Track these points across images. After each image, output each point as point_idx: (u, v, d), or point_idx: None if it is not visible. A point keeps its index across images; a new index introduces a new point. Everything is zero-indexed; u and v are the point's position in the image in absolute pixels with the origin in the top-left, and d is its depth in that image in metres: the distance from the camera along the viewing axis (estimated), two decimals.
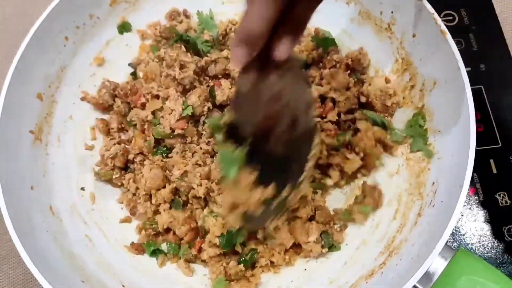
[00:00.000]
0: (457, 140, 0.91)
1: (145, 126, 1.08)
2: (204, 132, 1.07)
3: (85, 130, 1.14)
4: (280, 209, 0.85)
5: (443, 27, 0.95)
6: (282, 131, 0.79)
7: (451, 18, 1.32)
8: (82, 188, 1.07)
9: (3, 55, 1.29)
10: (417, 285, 0.81)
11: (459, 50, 0.93)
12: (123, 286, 0.97)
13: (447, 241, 1.05)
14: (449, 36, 0.95)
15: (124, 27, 1.21)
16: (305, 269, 1.00)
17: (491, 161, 1.16)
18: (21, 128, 1.01)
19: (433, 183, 0.94)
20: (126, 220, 1.08)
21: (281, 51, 0.71)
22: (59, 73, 1.11)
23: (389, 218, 0.99)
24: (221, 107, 1.08)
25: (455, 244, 1.09)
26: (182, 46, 1.14)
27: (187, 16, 1.23)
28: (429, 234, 0.86)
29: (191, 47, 1.16)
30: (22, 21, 1.05)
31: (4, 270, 1.11)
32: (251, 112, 0.79)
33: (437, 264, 0.83)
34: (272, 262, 1.00)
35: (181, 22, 1.21)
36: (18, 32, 1.03)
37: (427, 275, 0.81)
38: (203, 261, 1.01)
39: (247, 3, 0.65)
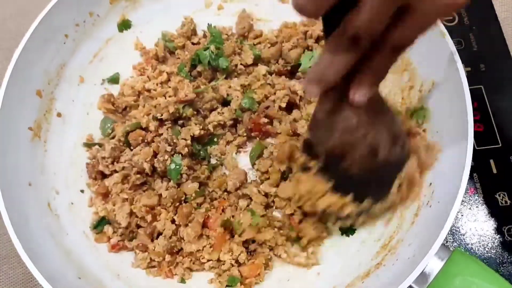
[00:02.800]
0: (454, 141, 0.90)
1: None
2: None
3: (84, 128, 1.13)
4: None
5: (442, 28, 0.95)
6: (358, 158, 0.79)
7: (451, 18, 1.32)
8: (82, 191, 1.07)
9: (3, 55, 1.29)
10: (413, 285, 0.81)
11: (459, 50, 0.93)
12: (120, 282, 0.98)
13: (446, 242, 1.07)
14: (448, 37, 0.95)
15: (124, 25, 1.21)
16: (302, 268, 1.00)
17: (491, 161, 1.16)
18: (20, 125, 1.01)
19: (430, 183, 0.93)
20: None
21: (357, 98, 0.68)
22: (59, 70, 1.11)
23: (386, 218, 0.99)
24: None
25: (455, 244, 1.09)
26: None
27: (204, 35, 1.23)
28: (425, 234, 0.86)
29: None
30: (23, 21, 1.05)
31: (4, 270, 1.11)
32: (325, 138, 0.79)
33: (433, 264, 0.83)
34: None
35: (198, 43, 1.21)
36: (19, 32, 1.03)
37: (423, 275, 0.81)
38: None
39: (325, 49, 0.63)
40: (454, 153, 0.89)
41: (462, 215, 1.11)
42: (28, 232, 0.91)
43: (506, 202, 1.12)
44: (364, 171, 0.80)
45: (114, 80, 1.19)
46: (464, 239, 1.09)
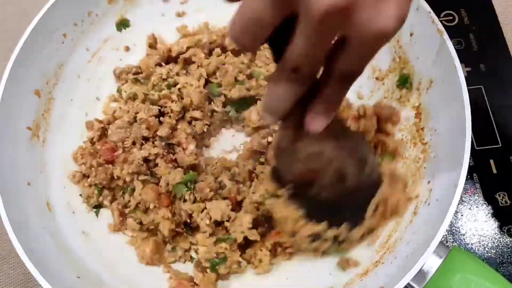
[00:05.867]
0: (452, 139, 0.90)
1: None
2: None
3: (82, 127, 1.13)
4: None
5: (440, 26, 0.95)
6: (326, 184, 0.76)
7: (451, 18, 1.32)
8: (81, 195, 1.07)
9: (3, 55, 1.29)
10: (411, 283, 0.81)
11: (459, 50, 0.93)
12: (120, 281, 0.97)
13: (445, 242, 1.07)
14: (445, 35, 0.94)
15: (122, 24, 1.21)
16: (299, 267, 1.00)
17: (491, 161, 1.16)
18: (18, 125, 1.01)
19: (429, 181, 0.93)
20: None
21: (312, 127, 0.66)
22: (57, 70, 1.11)
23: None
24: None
25: (455, 244, 1.09)
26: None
27: None
28: (424, 232, 0.86)
29: None
30: (22, 21, 1.05)
31: (4, 270, 1.11)
32: (290, 165, 0.77)
33: (431, 262, 0.82)
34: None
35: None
36: (19, 32, 1.03)
37: (422, 274, 0.81)
38: None
39: (270, 79, 0.61)
40: (452, 150, 0.89)
41: (462, 215, 1.11)
42: (27, 232, 0.90)
43: (506, 202, 1.12)
44: (335, 197, 0.78)
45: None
46: (464, 239, 1.09)
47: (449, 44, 0.93)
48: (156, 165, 1.04)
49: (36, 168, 1.03)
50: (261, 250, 0.99)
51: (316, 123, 0.66)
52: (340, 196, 0.77)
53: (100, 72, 1.19)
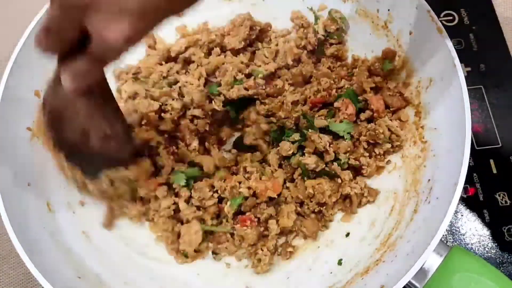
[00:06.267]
0: (452, 137, 0.90)
1: None
2: None
3: None
4: None
5: (439, 25, 0.95)
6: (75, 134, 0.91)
7: (451, 18, 1.32)
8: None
9: (3, 55, 1.29)
10: (412, 281, 0.81)
11: (459, 50, 0.93)
12: (121, 282, 0.97)
13: (446, 241, 1.07)
14: (445, 34, 0.94)
15: None
16: (300, 266, 1.01)
17: (491, 161, 1.16)
18: (18, 125, 1.01)
19: (429, 180, 0.93)
20: None
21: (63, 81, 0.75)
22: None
23: (385, 215, 0.99)
24: None
25: (455, 243, 1.08)
26: None
27: None
28: (424, 230, 0.86)
29: None
30: (23, 22, 1.05)
31: (4, 270, 1.11)
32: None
33: (432, 260, 0.82)
34: None
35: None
36: (19, 33, 1.03)
37: (422, 272, 0.80)
38: None
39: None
40: (452, 149, 0.89)
41: (462, 215, 1.11)
42: (28, 232, 0.90)
43: (506, 202, 1.12)
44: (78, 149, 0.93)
45: None
46: (464, 239, 1.09)
47: (448, 42, 0.93)
48: (157, 154, 1.06)
49: (36, 169, 1.02)
50: (262, 250, 0.99)
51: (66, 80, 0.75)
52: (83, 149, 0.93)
53: None
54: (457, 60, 0.91)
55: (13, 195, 0.93)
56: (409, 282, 0.79)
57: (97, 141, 0.91)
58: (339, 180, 1.02)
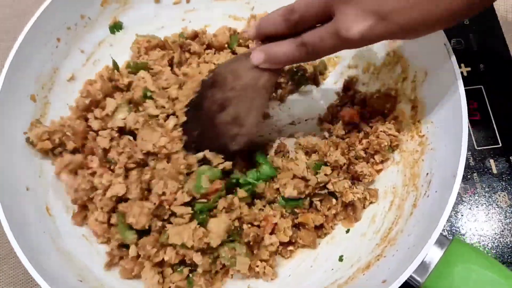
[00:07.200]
0: (449, 130, 0.90)
1: None
2: None
3: None
4: None
5: None
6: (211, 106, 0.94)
7: None
8: None
9: (2, 55, 1.29)
10: (414, 275, 0.81)
11: (459, 50, 0.93)
12: (122, 285, 0.97)
13: (445, 234, 1.06)
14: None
15: (116, 27, 1.21)
16: (301, 264, 1.01)
17: (491, 161, 1.16)
18: (15, 130, 1.01)
19: (427, 173, 0.93)
20: None
21: (254, 58, 0.86)
22: (52, 74, 1.11)
23: (385, 210, 1.00)
24: None
25: None
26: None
27: None
28: (424, 224, 0.86)
29: None
30: (22, 22, 1.05)
31: (4, 270, 1.11)
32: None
33: (432, 254, 0.82)
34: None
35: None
36: (19, 33, 1.03)
37: (423, 265, 0.81)
38: None
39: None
40: (450, 141, 0.89)
41: (462, 215, 1.12)
42: (27, 236, 0.90)
43: (506, 202, 1.12)
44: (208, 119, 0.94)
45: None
46: (464, 239, 1.09)
47: (442, 34, 0.93)
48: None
49: (34, 172, 1.03)
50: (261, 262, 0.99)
51: (255, 56, 0.86)
52: (212, 126, 0.94)
53: (95, 76, 1.17)
54: (451, 52, 0.91)
55: (12, 200, 0.93)
56: (411, 276, 0.80)
57: (232, 121, 0.92)
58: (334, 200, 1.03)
